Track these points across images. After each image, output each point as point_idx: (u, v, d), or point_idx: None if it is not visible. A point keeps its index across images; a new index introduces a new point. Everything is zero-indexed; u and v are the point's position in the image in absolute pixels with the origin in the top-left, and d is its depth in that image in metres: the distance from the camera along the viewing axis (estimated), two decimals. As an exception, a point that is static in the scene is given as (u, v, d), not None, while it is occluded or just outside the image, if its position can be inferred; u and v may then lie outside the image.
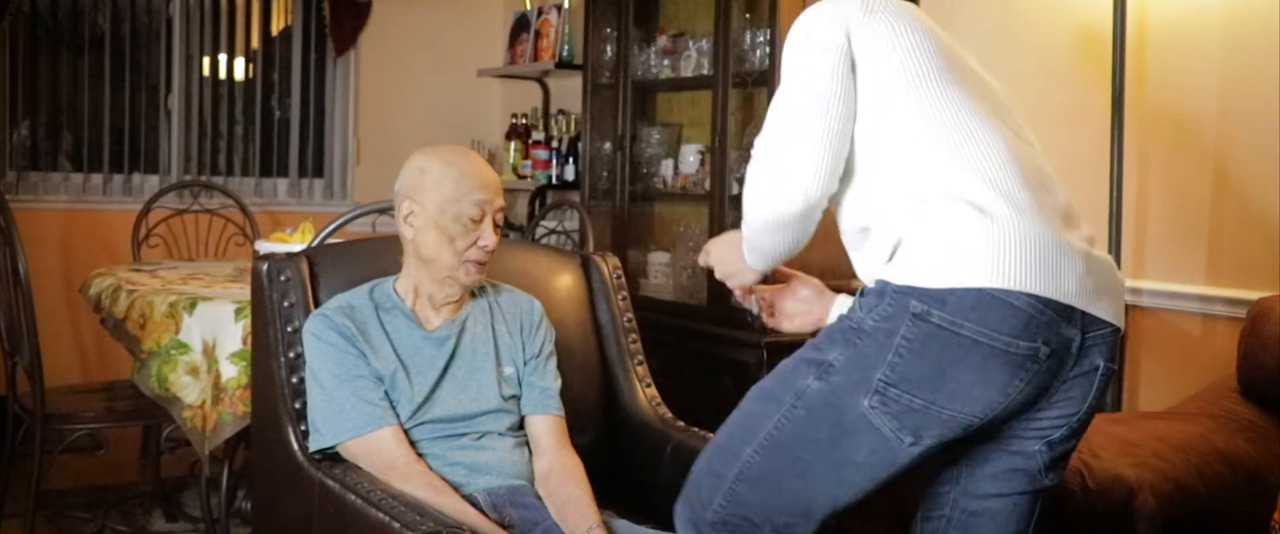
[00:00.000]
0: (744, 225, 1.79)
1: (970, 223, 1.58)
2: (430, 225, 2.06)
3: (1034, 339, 1.56)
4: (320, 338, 2.06)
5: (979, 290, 1.54)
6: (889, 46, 1.68)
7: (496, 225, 2.09)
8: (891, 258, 1.64)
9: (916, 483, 1.82)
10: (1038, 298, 1.56)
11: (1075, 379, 1.67)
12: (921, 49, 1.69)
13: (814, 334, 1.75)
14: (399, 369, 2.07)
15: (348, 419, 2.02)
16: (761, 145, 1.73)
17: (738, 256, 1.86)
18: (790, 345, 1.89)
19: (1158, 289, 3.10)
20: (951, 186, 1.61)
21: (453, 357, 2.12)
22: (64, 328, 4.69)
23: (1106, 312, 1.65)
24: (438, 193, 2.06)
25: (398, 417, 2.05)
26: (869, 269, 1.70)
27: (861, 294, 1.66)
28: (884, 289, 1.60)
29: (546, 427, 2.16)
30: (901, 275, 1.59)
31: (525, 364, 2.19)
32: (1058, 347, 1.60)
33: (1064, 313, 1.59)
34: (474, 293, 2.19)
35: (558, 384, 2.21)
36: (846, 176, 1.71)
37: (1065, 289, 1.58)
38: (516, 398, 2.18)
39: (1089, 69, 3.19)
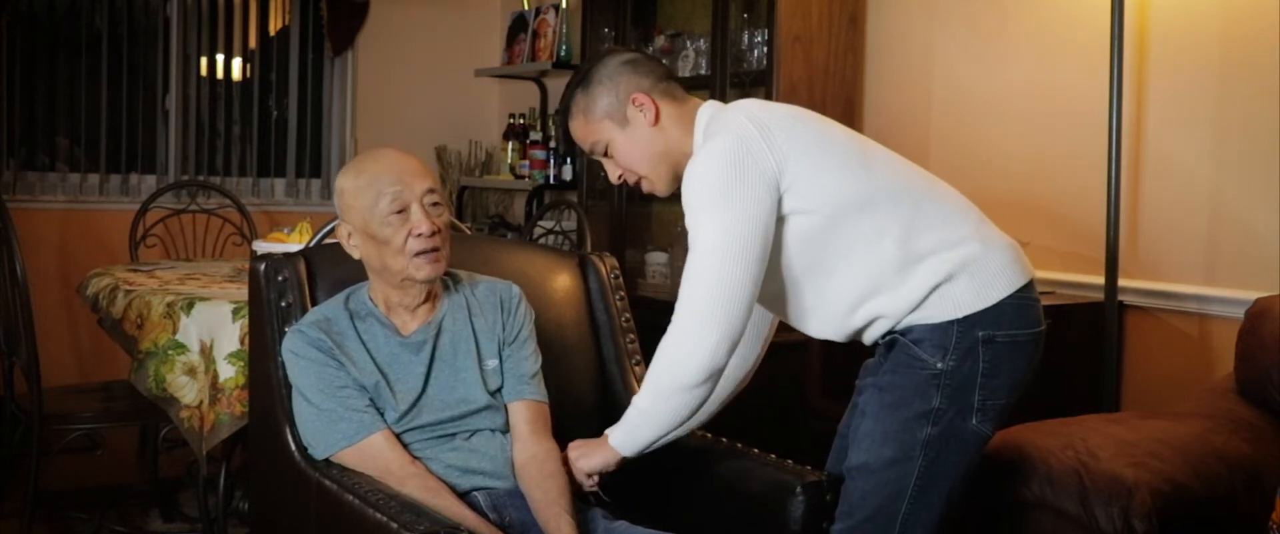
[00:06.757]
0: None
1: (975, 251, 1.93)
2: (364, 239, 2.05)
3: (1041, 322, 1.98)
4: (299, 354, 2.05)
5: (1011, 296, 1.92)
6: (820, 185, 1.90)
7: (429, 209, 2.03)
8: (920, 305, 1.91)
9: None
10: (1032, 282, 1.98)
11: None
12: (845, 148, 1.95)
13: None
14: (380, 380, 2.05)
15: (338, 430, 2.01)
16: None
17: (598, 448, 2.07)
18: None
19: (1155, 289, 3.10)
20: (942, 236, 1.93)
21: (432, 360, 2.09)
22: (61, 328, 4.68)
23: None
24: (357, 205, 2.04)
25: (386, 422, 2.04)
26: (879, 329, 1.97)
27: (895, 343, 1.94)
28: (947, 329, 1.90)
29: (522, 414, 2.13)
30: (955, 309, 1.90)
31: (505, 348, 2.16)
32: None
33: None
34: (448, 288, 2.16)
35: (535, 366, 2.17)
36: (826, 271, 1.94)
37: (1029, 266, 2.02)
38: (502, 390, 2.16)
39: (1086, 66, 3.19)
